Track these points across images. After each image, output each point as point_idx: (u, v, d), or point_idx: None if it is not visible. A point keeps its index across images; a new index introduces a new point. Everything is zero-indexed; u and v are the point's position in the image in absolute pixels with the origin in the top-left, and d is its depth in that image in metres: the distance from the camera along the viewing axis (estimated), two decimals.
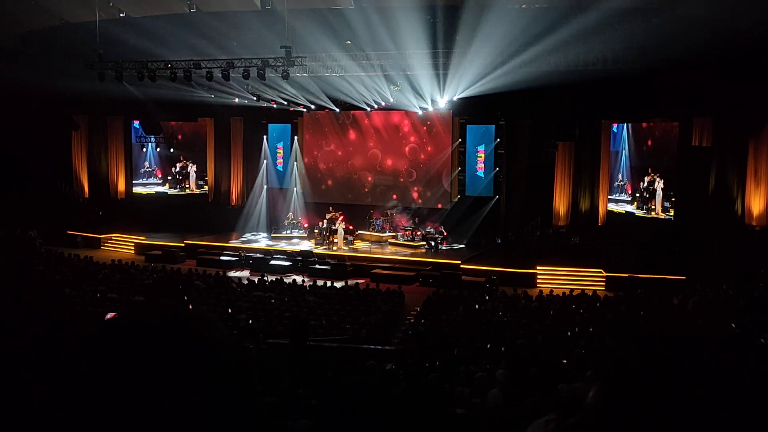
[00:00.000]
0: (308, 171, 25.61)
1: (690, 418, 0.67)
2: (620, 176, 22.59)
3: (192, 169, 27.73)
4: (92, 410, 0.71)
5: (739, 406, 0.68)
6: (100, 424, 0.71)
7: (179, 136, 27.78)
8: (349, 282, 17.71)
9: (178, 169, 27.96)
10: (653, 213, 20.92)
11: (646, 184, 21.94)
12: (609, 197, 22.54)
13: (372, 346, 11.22)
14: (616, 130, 22.34)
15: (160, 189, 27.78)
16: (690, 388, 0.69)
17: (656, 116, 20.31)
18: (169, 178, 27.94)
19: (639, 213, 21.43)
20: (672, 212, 19.96)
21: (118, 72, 19.84)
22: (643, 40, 17.11)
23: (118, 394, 0.72)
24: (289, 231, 23.92)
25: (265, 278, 17.42)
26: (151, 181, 27.78)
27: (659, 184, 20.90)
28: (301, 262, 20.35)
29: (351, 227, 22.61)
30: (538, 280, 18.74)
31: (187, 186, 27.75)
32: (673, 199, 20.07)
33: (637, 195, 22.28)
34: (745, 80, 16.99)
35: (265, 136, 25.89)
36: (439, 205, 23.86)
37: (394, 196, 24.37)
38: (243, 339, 10.28)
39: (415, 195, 24.36)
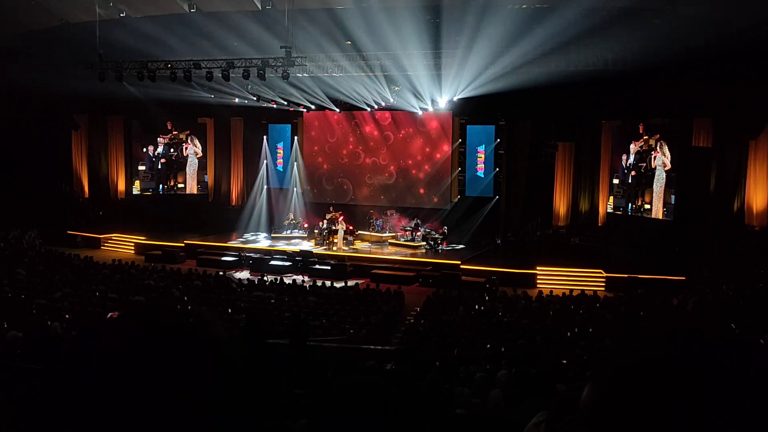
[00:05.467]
0: (308, 171, 25.61)
1: (686, 419, 0.67)
2: None
3: (192, 150, 25.90)
4: (94, 409, 0.71)
5: (737, 407, 0.67)
6: (102, 423, 0.71)
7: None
8: (349, 282, 17.71)
9: (160, 151, 25.53)
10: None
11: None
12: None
13: (372, 347, 11.22)
14: None
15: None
16: (687, 389, 0.68)
17: (656, 116, 20.30)
18: (142, 169, 26.10)
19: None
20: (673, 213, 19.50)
21: (118, 72, 19.84)
22: (643, 40, 17.12)
23: (120, 393, 0.72)
24: (289, 231, 23.92)
25: (265, 278, 17.43)
26: None
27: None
28: (301, 262, 20.34)
29: (351, 227, 22.61)
30: (538, 281, 18.73)
31: (179, 184, 26.40)
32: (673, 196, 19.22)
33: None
34: (745, 80, 17.00)
35: (265, 136, 25.89)
36: (439, 206, 23.84)
37: (394, 196, 24.39)
38: (243, 339, 10.27)
39: (414, 195, 24.35)
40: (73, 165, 27.63)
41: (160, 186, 26.51)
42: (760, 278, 15.08)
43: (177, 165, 26.58)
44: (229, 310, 13.51)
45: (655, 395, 0.69)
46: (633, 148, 20.22)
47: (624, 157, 20.61)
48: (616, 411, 0.71)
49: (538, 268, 19.08)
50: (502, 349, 10.03)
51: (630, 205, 20.36)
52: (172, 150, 26.45)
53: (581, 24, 16.70)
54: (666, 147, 19.33)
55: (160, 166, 26.41)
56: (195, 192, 26.79)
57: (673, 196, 19.18)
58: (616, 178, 20.97)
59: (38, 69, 21.02)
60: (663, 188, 19.55)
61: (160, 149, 26.29)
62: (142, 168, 26.37)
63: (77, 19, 20.19)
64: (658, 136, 19.65)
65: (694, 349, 0.72)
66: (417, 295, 17.00)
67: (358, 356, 9.63)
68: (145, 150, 26.29)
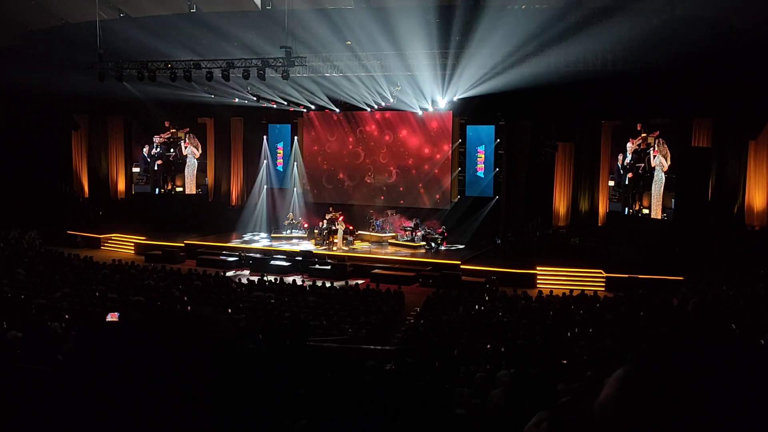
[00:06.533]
0: (308, 171, 25.61)
1: (687, 419, 0.67)
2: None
3: (191, 149, 25.55)
4: (94, 410, 0.72)
5: (737, 407, 0.67)
6: (102, 423, 0.71)
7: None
8: (349, 282, 17.71)
9: (157, 150, 25.19)
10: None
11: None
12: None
13: (372, 347, 11.22)
14: None
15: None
16: (687, 389, 0.68)
17: (656, 116, 20.30)
18: (136, 171, 25.75)
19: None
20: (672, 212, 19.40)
21: (118, 72, 19.85)
22: (643, 40, 17.12)
23: (120, 394, 0.72)
24: (289, 231, 23.92)
25: (265, 278, 17.43)
26: None
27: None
28: (301, 262, 20.34)
29: (351, 227, 22.61)
30: (538, 281, 18.73)
31: (177, 188, 26.42)
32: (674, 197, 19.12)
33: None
34: (745, 80, 16.99)
35: (265, 136, 25.89)
36: (439, 206, 23.84)
37: (394, 196, 24.40)
38: (245, 339, 10.26)
39: (415, 195, 24.35)
40: (73, 165, 27.64)
41: (156, 189, 26.41)
42: (760, 278, 15.07)
43: (175, 166, 26.54)
44: (229, 310, 13.51)
45: (661, 397, 0.69)
46: (630, 146, 20.10)
47: (620, 156, 20.52)
48: (648, 412, 0.70)
49: (538, 268, 19.07)
50: (502, 349, 10.03)
51: (627, 209, 20.19)
52: (171, 150, 26.40)
53: (581, 24, 16.72)
54: (665, 145, 19.27)
55: (156, 167, 26.32)
56: (194, 192, 26.81)
57: (673, 200, 19.02)
58: (611, 179, 20.80)
59: (38, 69, 21.02)
60: (662, 191, 19.46)
61: (156, 149, 26.19)
62: (136, 170, 26.25)
63: (77, 19, 20.19)
64: (658, 133, 19.57)
65: (694, 350, 0.72)
66: (417, 295, 17.00)
67: (358, 356, 9.63)
68: (144, 148, 26.25)
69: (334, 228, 22.17)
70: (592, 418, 0.75)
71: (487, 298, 15.88)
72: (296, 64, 18.39)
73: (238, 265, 20.66)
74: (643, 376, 0.73)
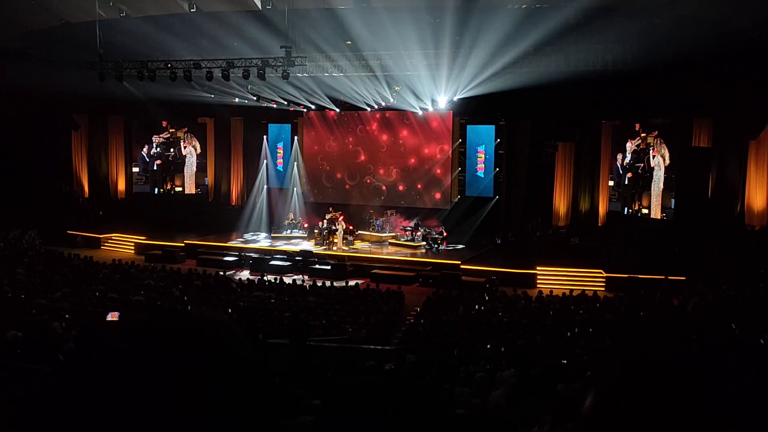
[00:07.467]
0: (308, 171, 25.61)
1: (686, 419, 0.67)
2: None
3: (190, 150, 25.48)
4: (94, 410, 0.72)
5: (737, 407, 0.67)
6: (102, 423, 0.71)
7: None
8: (349, 282, 17.72)
9: (156, 150, 25.26)
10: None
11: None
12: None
13: (372, 347, 11.22)
14: None
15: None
16: (687, 389, 0.68)
17: (656, 116, 20.30)
18: (136, 170, 25.92)
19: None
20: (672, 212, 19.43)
21: (118, 72, 19.85)
22: (643, 40, 17.12)
23: (120, 394, 0.72)
24: (289, 231, 23.92)
25: (265, 278, 17.43)
26: None
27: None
28: (301, 262, 20.35)
29: (351, 227, 22.61)
30: (538, 281, 18.73)
31: (177, 188, 26.39)
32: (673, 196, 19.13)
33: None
34: (745, 81, 16.99)
35: (265, 136, 25.90)
36: (439, 205, 23.84)
37: (394, 196, 24.40)
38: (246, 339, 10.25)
39: (415, 195, 24.35)
40: (73, 165, 27.65)
41: (155, 189, 26.46)
42: (760, 278, 15.07)
43: (174, 166, 26.58)
44: (229, 310, 13.51)
45: (655, 396, 0.69)
46: (629, 146, 20.15)
47: (620, 156, 20.53)
48: (618, 413, 0.70)
49: (538, 268, 19.07)
50: (502, 349, 10.03)
51: (626, 209, 20.21)
52: (171, 150, 26.43)
53: (581, 24, 16.71)
54: (664, 145, 19.30)
55: (155, 167, 26.37)
56: (193, 192, 26.82)
57: (672, 200, 19.04)
58: (611, 179, 20.83)
59: (38, 69, 21.02)
60: (661, 190, 19.49)
61: (155, 149, 26.25)
62: (135, 170, 26.32)
63: (77, 19, 20.19)
64: (656, 133, 19.59)
65: (694, 349, 0.72)
66: (417, 295, 17.00)
67: (358, 356, 9.63)
68: (143, 148, 26.30)
69: (334, 228, 22.17)
70: (579, 421, 0.74)
71: (487, 298, 15.88)
72: (296, 64, 18.40)
73: (238, 265, 20.66)
74: (617, 375, 0.73)
